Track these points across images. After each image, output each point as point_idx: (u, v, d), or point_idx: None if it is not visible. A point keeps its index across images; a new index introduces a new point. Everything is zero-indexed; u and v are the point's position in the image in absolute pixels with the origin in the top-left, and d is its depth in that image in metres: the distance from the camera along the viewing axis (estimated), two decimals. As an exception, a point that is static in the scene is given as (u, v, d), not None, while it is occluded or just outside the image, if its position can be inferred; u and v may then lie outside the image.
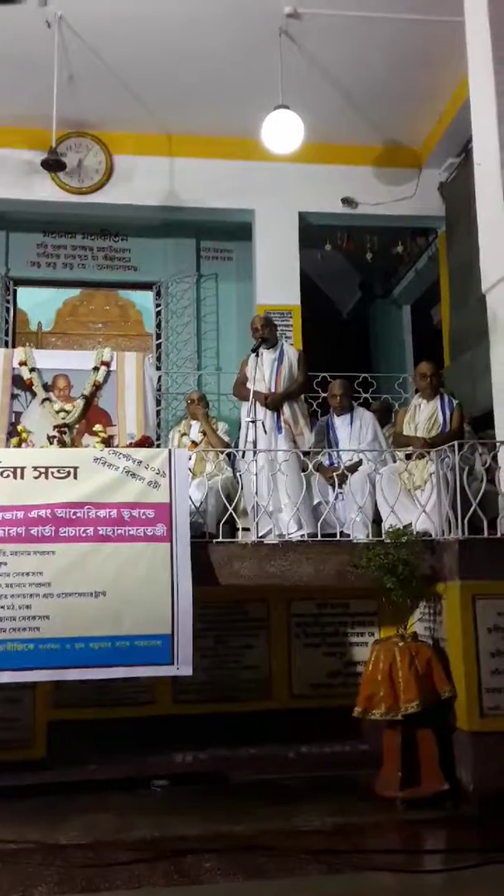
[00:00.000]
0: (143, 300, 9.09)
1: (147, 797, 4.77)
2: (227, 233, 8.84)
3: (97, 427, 5.55)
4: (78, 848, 3.92)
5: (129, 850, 3.87)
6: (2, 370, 5.99)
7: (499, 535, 4.89)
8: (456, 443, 5.04)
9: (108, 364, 6.08)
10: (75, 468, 4.78)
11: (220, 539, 5.09)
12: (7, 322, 8.62)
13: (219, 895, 3.42)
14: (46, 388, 6.00)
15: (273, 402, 5.77)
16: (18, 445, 5.28)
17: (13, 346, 8.12)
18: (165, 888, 3.48)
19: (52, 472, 4.75)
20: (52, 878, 3.57)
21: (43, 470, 4.75)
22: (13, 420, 5.83)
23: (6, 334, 8.55)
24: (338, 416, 6.17)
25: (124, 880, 3.55)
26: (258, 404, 5.73)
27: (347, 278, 10.55)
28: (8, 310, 8.66)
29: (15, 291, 8.79)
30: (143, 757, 5.04)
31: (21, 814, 4.40)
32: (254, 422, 5.53)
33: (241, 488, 5.49)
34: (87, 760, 5.05)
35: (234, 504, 5.25)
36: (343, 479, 5.52)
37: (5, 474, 4.70)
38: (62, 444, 5.44)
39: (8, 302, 8.67)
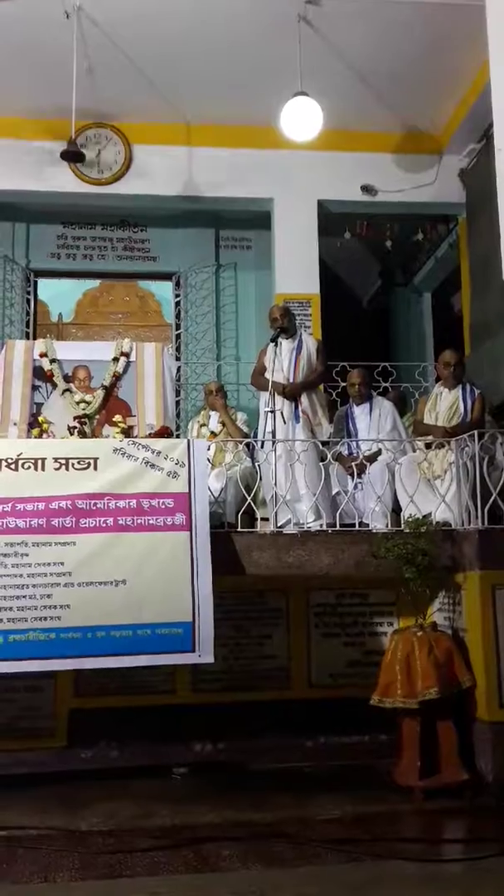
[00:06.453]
0: (163, 290, 9.09)
1: (167, 785, 4.81)
2: (246, 222, 8.81)
3: (117, 418, 5.56)
4: (99, 835, 3.97)
5: (149, 837, 3.91)
6: (23, 361, 6.02)
7: (519, 525, 4.87)
8: (476, 432, 5.01)
9: (127, 355, 6.08)
10: (95, 459, 4.81)
11: (240, 529, 5.09)
12: (28, 313, 8.66)
13: (238, 883, 3.44)
14: (67, 379, 6.02)
15: (291, 392, 5.76)
16: (39, 436, 5.32)
17: (34, 338, 8.16)
18: (185, 875, 3.51)
19: (73, 464, 4.78)
20: (74, 865, 3.62)
21: (63, 461, 4.78)
22: (34, 411, 5.86)
23: (27, 326, 8.60)
24: (357, 405, 6.14)
25: (144, 867, 3.59)
26: (277, 394, 5.71)
27: (367, 266, 10.48)
28: (29, 301, 8.70)
29: (35, 283, 8.82)
30: (163, 745, 5.09)
31: (43, 801, 4.45)
32: (272, 412, 5.51)
33: (260, 478, 5.50)
34: (108, 748, 5.11)
35: (252, 494, 5.26)
36: (362, 469, 5.51)
37: (26, 465, 4.73)
38: (82, 434, 5.48)
39: (28, 293, 8.71)
